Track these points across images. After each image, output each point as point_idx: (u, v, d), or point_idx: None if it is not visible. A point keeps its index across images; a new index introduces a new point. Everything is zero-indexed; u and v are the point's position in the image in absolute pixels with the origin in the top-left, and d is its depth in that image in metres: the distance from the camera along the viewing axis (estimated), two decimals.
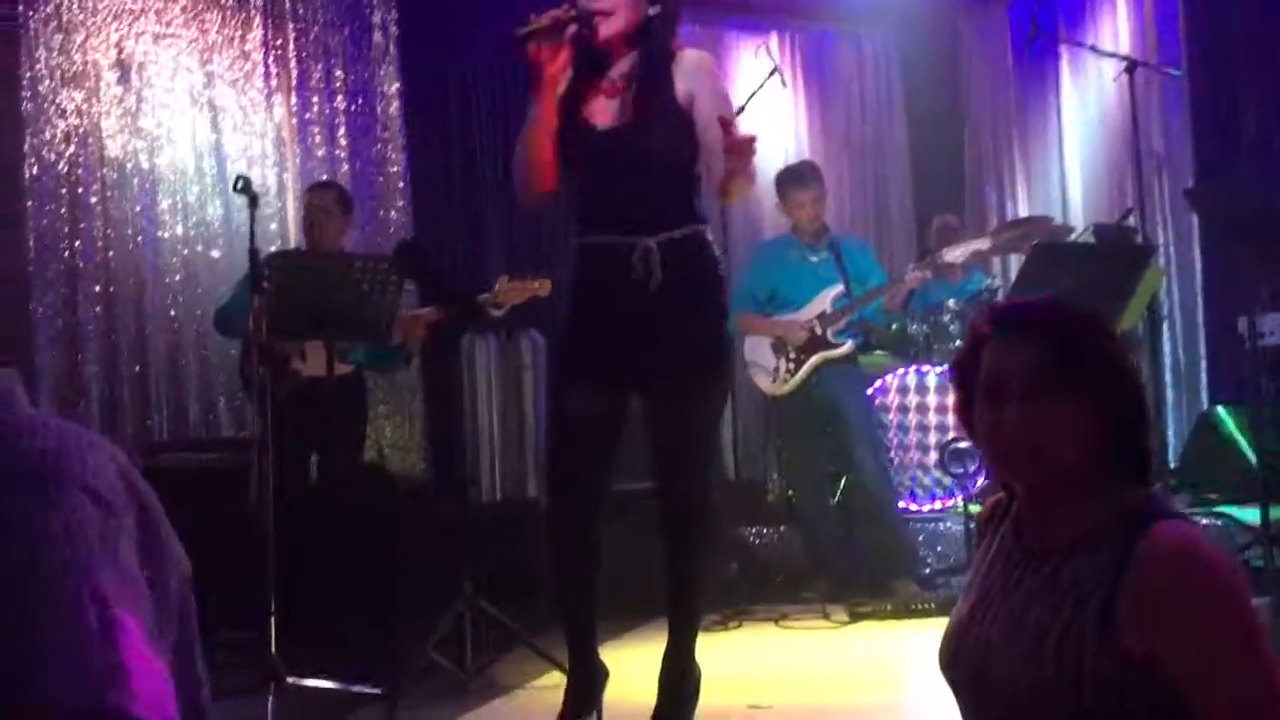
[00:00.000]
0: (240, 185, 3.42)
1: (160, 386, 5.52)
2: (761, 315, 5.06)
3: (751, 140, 2.57)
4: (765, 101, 6.39)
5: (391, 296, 4.14)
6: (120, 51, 5.54)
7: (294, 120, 5.87)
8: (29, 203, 5.30)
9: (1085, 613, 1.41)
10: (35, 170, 5.34)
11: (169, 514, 3.74)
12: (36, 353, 5.28)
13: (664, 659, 2.83)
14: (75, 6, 5.46)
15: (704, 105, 2.71)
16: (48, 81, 5.39)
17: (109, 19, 5.52)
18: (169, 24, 5.65)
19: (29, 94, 5.35)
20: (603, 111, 2.75)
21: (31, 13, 5.38)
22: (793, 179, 5.13)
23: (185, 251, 5.60)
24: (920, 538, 5.15)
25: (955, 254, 4.85)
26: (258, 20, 5.85)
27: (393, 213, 6.00)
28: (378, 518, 4.97)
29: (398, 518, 5.09)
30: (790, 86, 6.95)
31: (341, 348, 4.57)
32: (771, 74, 5.81)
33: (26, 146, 5.32)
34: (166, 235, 5.59)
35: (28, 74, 5.35)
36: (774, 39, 6.97)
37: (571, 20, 2.68)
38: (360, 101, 5.99)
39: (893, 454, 5.39)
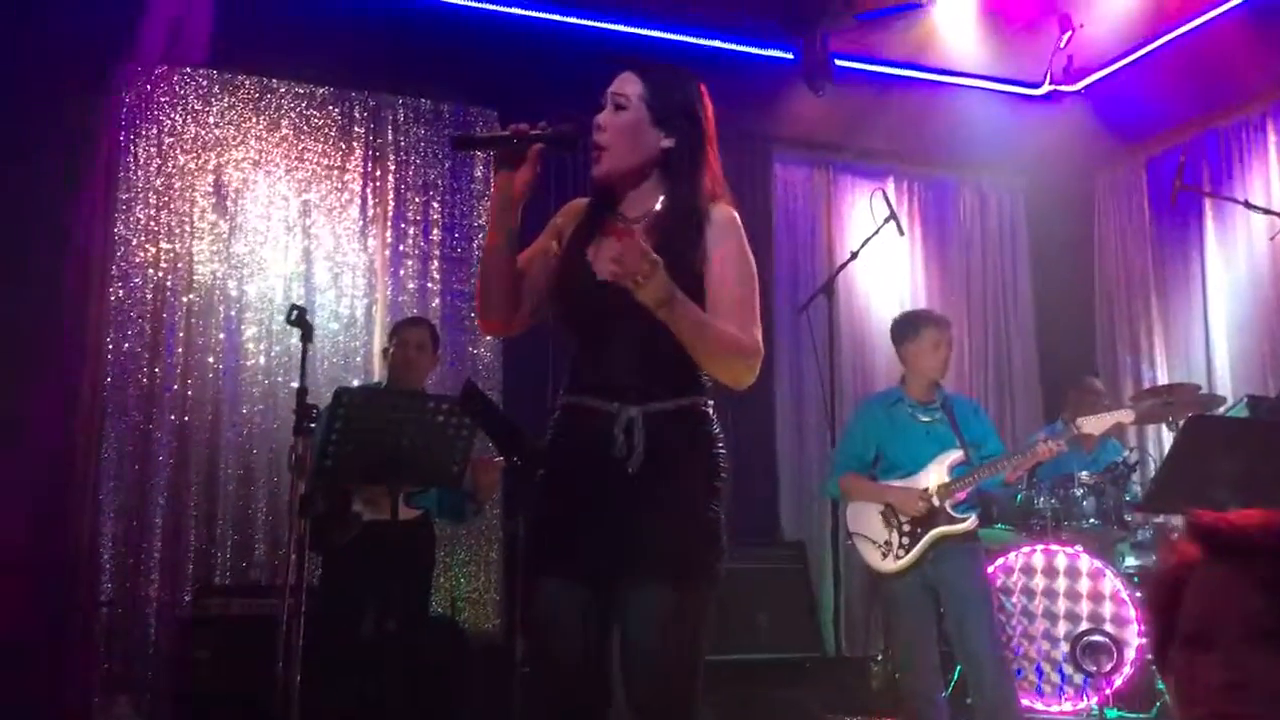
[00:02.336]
0: (294, 317, 3.14)
1: (227, 523, 5.25)
2: (867, 478, 4.56)
3: (631, 239, 2.12)
4: (881, 250, 6.05)
5: (465, 440, 3.86)
6: (217, 178, 5.47)
7: (387, 252, 5.70)
8: (110, 326, 5.17)
9: None
10: (121, 293, 5.23)
11: (210, 664, 3.29)
12: (103, 480, 5.08)
13: None
14: (176, 132, 5.43)
15: (716, 268, 2.31)
16: (142, 206, 5.32)
17: (209, 145, 5.47)
18: (268, 153, 5.57)
19: (123, 216, 5.28)
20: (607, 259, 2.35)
21: (133, 136, 5.35)
22: (930, 319, 4.63)
23: (265, 382, 5.39)
24: None
25: (1093, 425, 4.30)
26: (359, 152, 5.75)
27: (482, 349, 5.73)
28: (442, 677, 4.57)
29: (464, 678, 4.67)
30: (907, 234, 6.58)
31: (409, 491, 4.28)
32: (886, 221, 5.45)
33: (115, 270, 5.23)
34: (249, 364, 5.40)
35: (124, 196, 5.29)
36: (890, 184, 6.64)
37: (537, 140, 2.29)
38: (456, 235, 5.80)
39: (1015, 643, 4.79)
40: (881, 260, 6.50)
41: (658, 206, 2.37)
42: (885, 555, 4.39)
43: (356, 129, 5.76)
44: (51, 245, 4.99)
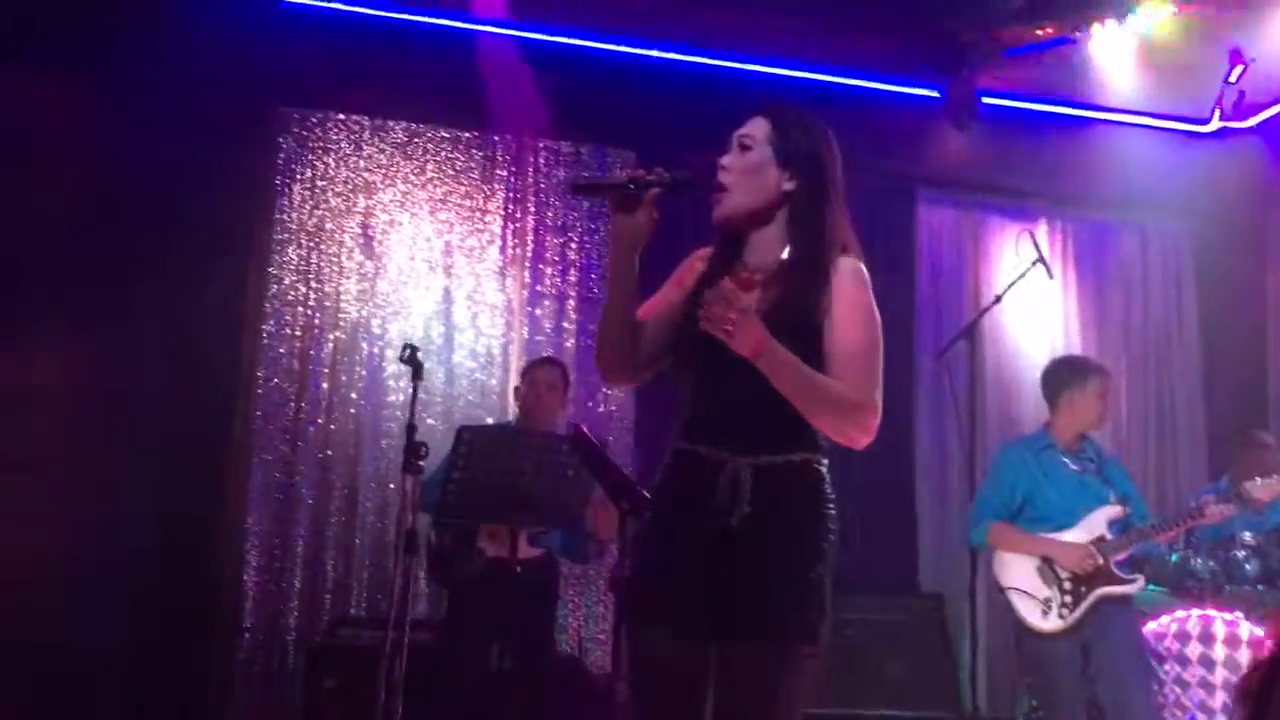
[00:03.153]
0: (407, 355, 3.20)
1: (364, 555, 5.39)
2: (1016, 528, 4.33)
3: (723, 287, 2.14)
4: (1031, 295, 5.84)
5: (586, 481, 3.87)
6: (366, 220, 5.66)
7: (525, 292, 5.79)
8: (261, 363, 5.39)
9: None
10: (272, 329, 5.44)
11: (337, 693, 3.36)
12: (249, 508, 5.28)
13: None
14: (329, 175, 5.64)
15: (835, 322, 2.27)
16: (294, 247, 5.54)
17: (359, 188, 5.67)
18: (414, 195, 5.74)
19: (277, 256, 5.50)
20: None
21: (287, 179, 5.58)
22: (1096, 367, 4.46)
23: (404, 418, 5.47)
24: None
25: (1262, 491, 4.02)
26: (500, 194, 5.87)
27: (615, 390, 5.74)
28: (562, 717, 4.56)
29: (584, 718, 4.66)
30: (1060, 278, 6.33)
31: (532, 530, 4.31)
32: (1033, 264, 5.23)
33: (267, 307, 5.45)
34: (389, 400, 5.54)
35: (278, 236, 5.52)
36: (1042, 226, 6.40)
37: (652, 185, 2.26)
38: (593, 276, 5.85)
39: (1167, 712, 4.48)
40: (1032, 306, 6.27)
41: (783, 256, 2.33)
42: (1046, 613, 4.16)
43: (499, 171, 5.88)
44: (210, 283, 5.24)
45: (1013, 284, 5.30)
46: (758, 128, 2.36)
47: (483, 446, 3.91)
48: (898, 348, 6.13)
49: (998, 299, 5.35)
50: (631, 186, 2.27)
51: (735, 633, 2.19)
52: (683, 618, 2.23)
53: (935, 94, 6.09)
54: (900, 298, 6.19)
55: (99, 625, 4.65)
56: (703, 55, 5.98)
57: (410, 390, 5.38)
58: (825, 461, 2.31)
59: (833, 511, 2.29)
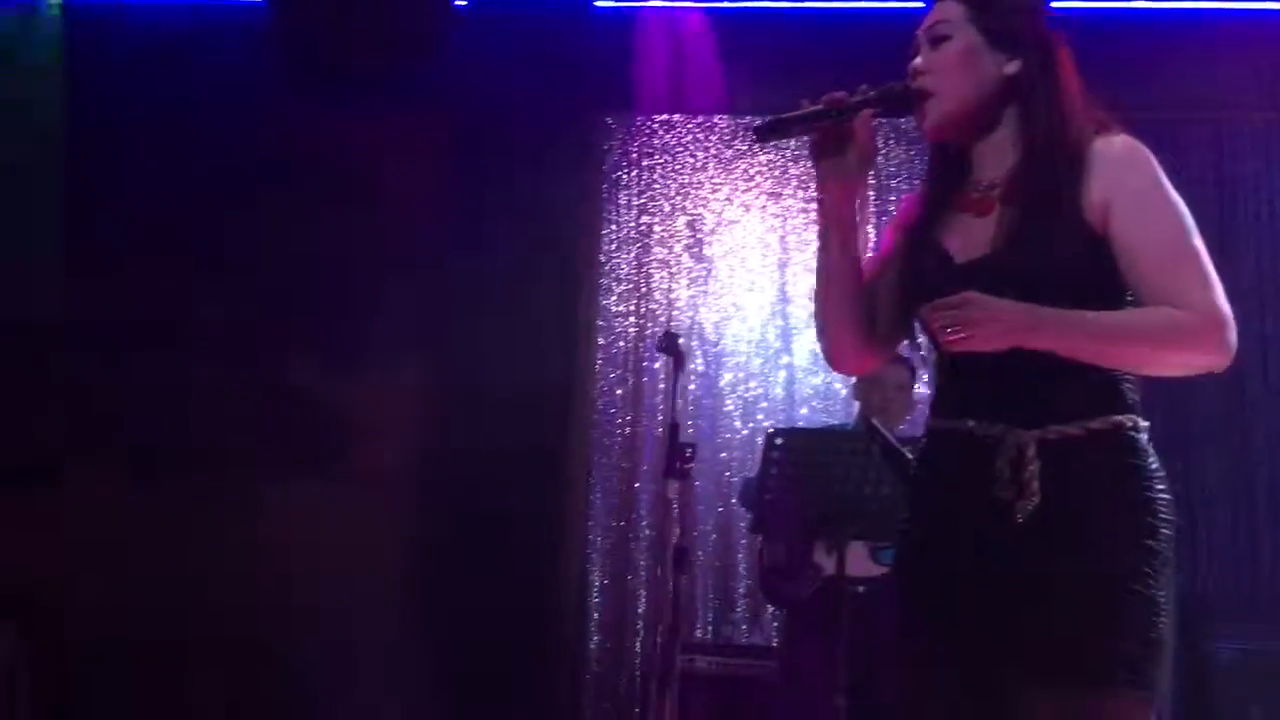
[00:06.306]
0: (664, 344, 2.84)
1: (707, 576, 5.08)
2: None
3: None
4: None
5: None
6: (695, 221, 5.39)
7: None
8: (596, 377, 5.25)
9: None
10: (604, 340, 5.29)
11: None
12: (591, 520, 5.12)
13: None
14: (654, 179, 5.42)
15: (1121, 219, 1.68)
16: (623, 255, 5.38)
17: (686, 189, 5.42)
18: (744, 192, 5.40)
19: (606, 261, 5.35)
20: (966, 237, 1.80)
21: (613, 188, 5.43)
22: None
23: (744, 430, 5.17)
24: None
25: None
26: None
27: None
28: None
29: None
30: None
31: (876, 545, 3.83)
32: None
33: (601, 320, 5.32)
34: (726, 409, 5.21)
35: (606, 246, 5.38)
36: None
37: (863, 105, 1.82)
38: None
39: None
40: None
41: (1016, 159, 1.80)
42: None
43: None
44: (543, 299, 5.16)
45: None
46: (948, 9, 1.84)
47: (797, 452, 3.51)
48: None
49: None
50: (835, 114, 1.84)
51: (1030, 673, 1.66)
52: (954, 644, 1.73)
53: None
54: None
55: (441, 650, 4.64)
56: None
57: (747, 394, 5.15)
58: (1144, 424, 1.71)
59: (1163, 494, 1.69)
